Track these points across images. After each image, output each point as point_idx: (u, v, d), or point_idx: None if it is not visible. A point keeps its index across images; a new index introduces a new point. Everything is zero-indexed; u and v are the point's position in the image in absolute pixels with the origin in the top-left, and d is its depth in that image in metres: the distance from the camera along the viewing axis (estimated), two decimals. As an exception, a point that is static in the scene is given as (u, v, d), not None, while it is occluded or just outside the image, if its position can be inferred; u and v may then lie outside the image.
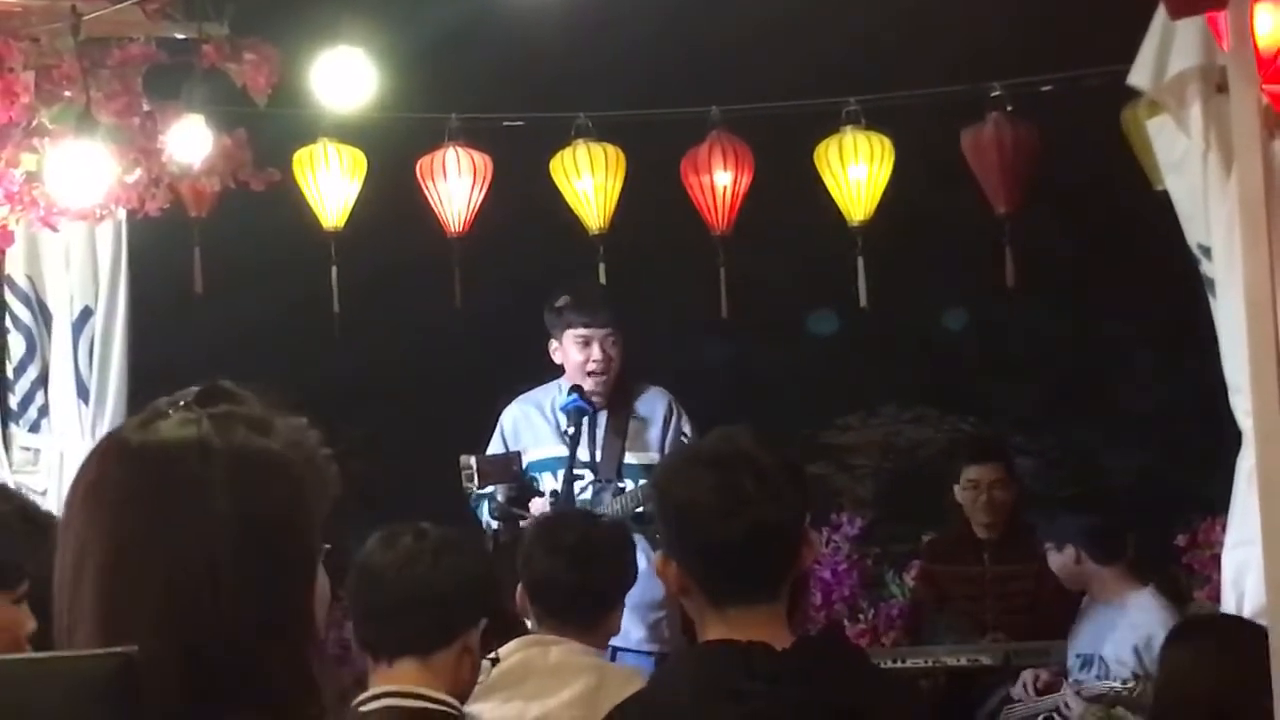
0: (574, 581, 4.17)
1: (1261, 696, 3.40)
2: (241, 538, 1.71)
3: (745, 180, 7.10)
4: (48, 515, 2.85)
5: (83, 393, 6.32)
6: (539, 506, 5.96)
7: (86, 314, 6.34)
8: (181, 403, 1.77)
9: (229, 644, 1.69)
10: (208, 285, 6.96)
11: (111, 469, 1.76)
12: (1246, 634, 3.83)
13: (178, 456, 1.73)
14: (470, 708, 3.58)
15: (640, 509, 5.93)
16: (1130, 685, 5.92)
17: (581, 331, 6.30)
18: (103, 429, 6.29)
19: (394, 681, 3.40)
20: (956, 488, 7.25)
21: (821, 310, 9.88)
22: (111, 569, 1.71)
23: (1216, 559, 5.67)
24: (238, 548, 1.70)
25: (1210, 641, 3.86)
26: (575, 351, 6.30)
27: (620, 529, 4.63)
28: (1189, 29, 4.50)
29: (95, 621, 1.71)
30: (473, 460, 5.99)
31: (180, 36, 5.89)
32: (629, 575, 4.34)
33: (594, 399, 6.27)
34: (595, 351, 6.28)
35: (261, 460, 1.75)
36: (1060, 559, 6.45)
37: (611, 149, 7.09)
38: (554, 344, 6.37)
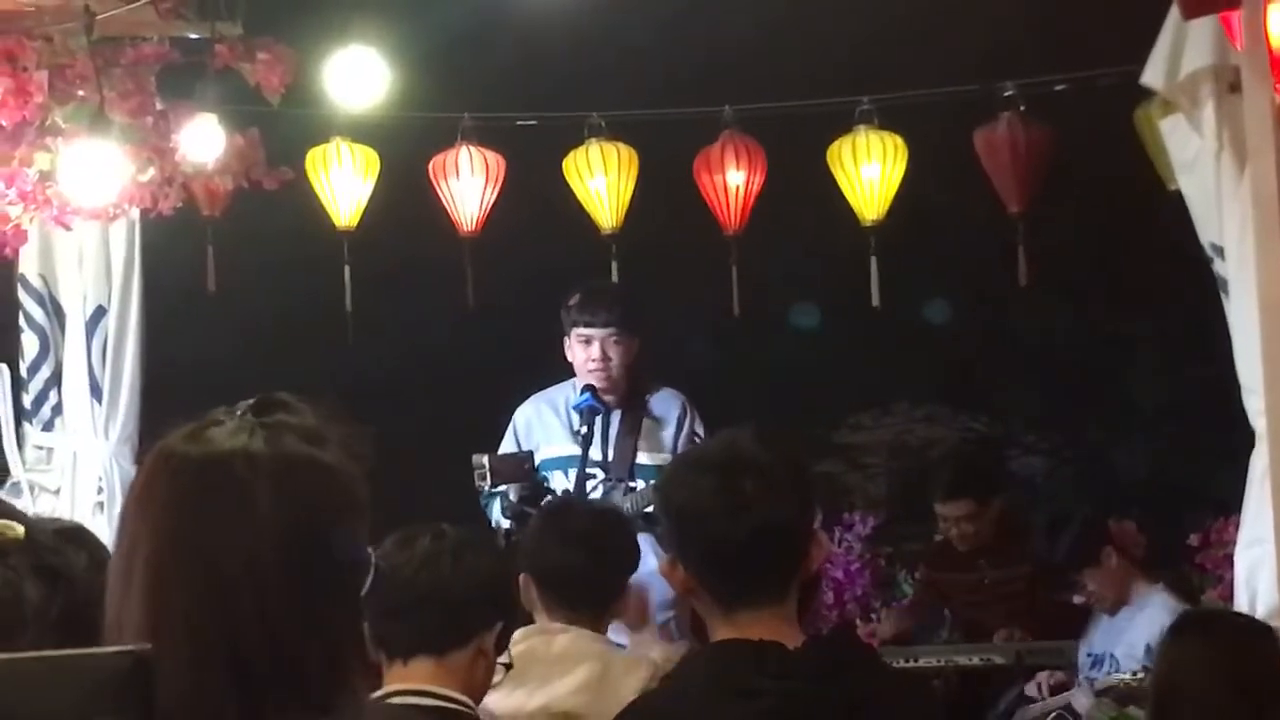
0: (589, 568, 4.22)
1: (1263, 693, 3.40)
2: (284, 542, 1.76)
3: (758, 180, 7.09)
4: (59, 566, 2.69)
5: (96, 392, 6.33)
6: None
7: (100, 313, 6.35)
8: (239, 412, 1.84)
9: (270, 644, 1.74)
10: (220, 284, 6.96)
11: (161, 474, 1.82)
12: (1248, 630, 3.83)
13: (224, 462, 1.79)
14: (479, 703, 3.59)
15: (650, 508, 5.94)
16: (1140, 677, 5.91)
17: (584, 331, 6.31)
18: (115, 428, 6.32)
19: (408, 680, 3.40)
20: None
21: (834, 309, 9.86)
22: (157, 569, 1.77)
23: (1229, 558, 5.67)
24: (280, 551, 1.76)
25: (1212, 637, 3.85)
26: (579, 350, 6.32)
27: (616, 514, 4.77)
28: (1202, 29, 4.50)
29: (141, 620, 1.76)
30: (485, 459, 6.00)
31: (194, 36, 5.90)
32: (635, 559, 4.44)
33: (606, 398, 6.29)
34: (595, 351, 6.28)
35: (307, 468, 1.81)
36: (1104, 570, 6.35)
37: (624, 148, 7.09)
38: (567, 342, 6.39)
